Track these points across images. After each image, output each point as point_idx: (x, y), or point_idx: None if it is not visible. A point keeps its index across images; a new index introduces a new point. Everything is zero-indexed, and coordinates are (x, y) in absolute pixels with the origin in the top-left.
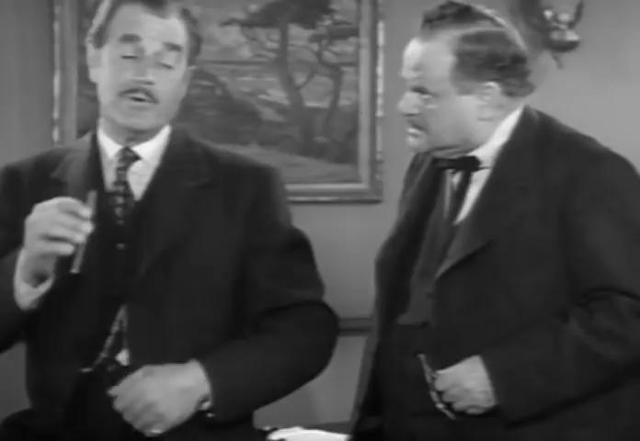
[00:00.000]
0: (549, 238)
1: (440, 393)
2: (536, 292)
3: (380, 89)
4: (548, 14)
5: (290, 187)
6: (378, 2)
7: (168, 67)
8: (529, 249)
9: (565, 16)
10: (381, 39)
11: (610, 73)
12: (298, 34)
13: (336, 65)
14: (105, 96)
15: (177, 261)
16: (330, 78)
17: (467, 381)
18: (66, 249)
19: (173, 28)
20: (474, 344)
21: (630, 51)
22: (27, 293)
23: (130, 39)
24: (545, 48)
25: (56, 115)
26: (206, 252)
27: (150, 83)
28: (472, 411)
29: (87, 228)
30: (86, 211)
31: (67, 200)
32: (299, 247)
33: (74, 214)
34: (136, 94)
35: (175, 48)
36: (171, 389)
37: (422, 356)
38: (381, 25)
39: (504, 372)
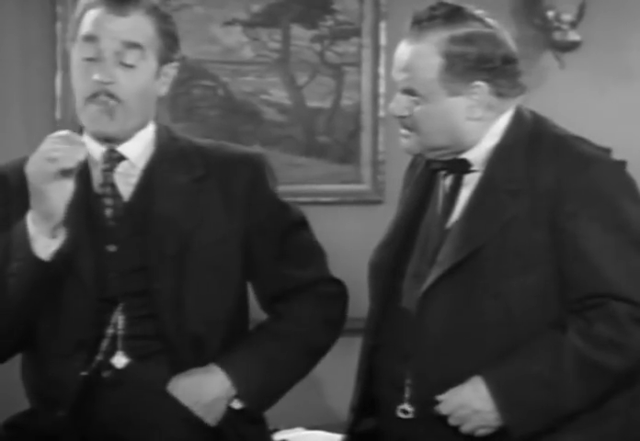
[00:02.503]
0: (539, 242)
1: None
2: (526, 297)
3: (382, 89)
4: (550, 14)
5: (291, 188)
6: (380, 2)
7: (130, 66)
8: (518, 253)
9: (567, 17)
10: (383, 39)
11: (612, 74)
12: (300, 34)
13: (338, 65)
14: (76, 102)
15: (188, 259)
16: (332, 78)
17: (475, 402)
18: (69, 163)
19: (134, 25)
20: (464, 348)
21: (632, 51)
22: (45, 245)
23: (89, 39)
24: (547, 48)
25: (58, 115)
26: (213, 246)
27: (110, 83)
28: (481, 431)
29: (84, 148)
30: (79, 138)
31: (58, 133)
32: (299, 222)
33: (69, 140)
34: (99, 97)
35: (135, 46)
36: (201, 402)
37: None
38: (383, 25)
39: (506, 390)
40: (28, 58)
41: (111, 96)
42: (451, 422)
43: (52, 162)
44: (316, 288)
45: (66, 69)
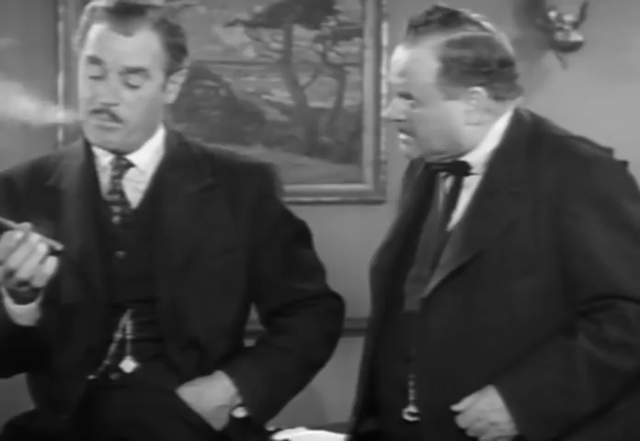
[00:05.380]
0: (542, 244)
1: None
2: (529, 299)
3: (384, 89)
4: (552, 14)
5: (293, 188)
6: (382, 2)
7: (134, 87)
8: (520, 255)
9: (569, 17)
10: (385, 40)
11: (614, 74)
12: (302, 35)
13: (340, 66)
14: (80, 111)
15: (193, 268)
16: (334, 78)
17: (491, 415)
18: (39, 282)
19: (139, 46)
20: (467, 351)
21: (634, 51)
22: (21, 314)
23: (94, 61)
24: (549, 48)
25: (60, 115)
26: (219, 256)
27: (115, 104)
28: None
29: (52, 260)
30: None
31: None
32: (302, 235)
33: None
34: (101, 114)
35: (139, 70)
36: (207, 408)
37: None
38: (385, 25)
39: (521, 400)
40: (30, 58)
41: (114, 116)
42: (469, 433)
43: (21, 284)
44: (318, 302)
45: (68, 69)
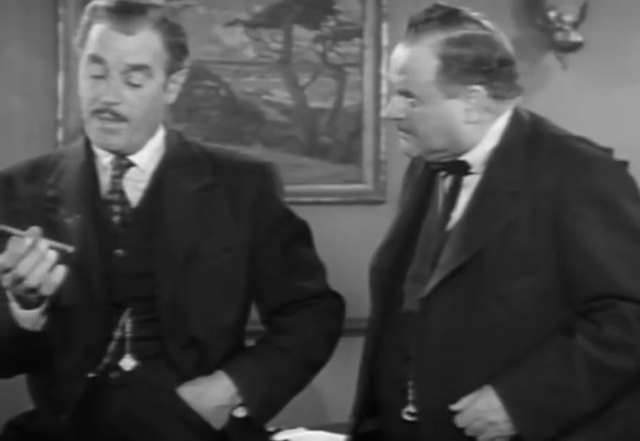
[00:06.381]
0: (541, 244)
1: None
2: (528, 298)
3: (384, 90)
4: (552, 14)
5: (293, 188)
6: (382, 3)
7: (136, 86)
8: (519, 255)
9: (569, 17)
10: (385, 40)
11: (614, 74)
12: (302, 35)
13: (340, 66)
14: (82, 111)
15: (194, 266)
16: (334, 79)
17: (489, 414)
18: (47, 290)
19: (141, 45)
20: (467, 350)
21: (634, 52)
22: (26, 318)
23: (96, 59)
24: (549, 49)
25: (60, 115)
26: (220, 254)
27: (117, 103)
28: None
29: (60, 269)
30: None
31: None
32: (303, 234)
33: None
34: (103, 114)
35: (141, 67)
36: (208, 408)
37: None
38: (384, 25)
39: (519, 400)
40: (29, 58)
41: (116, 115)
42: (468, 433)
43: (29, 291)
44: (319, 301)
45: (68, 70)
